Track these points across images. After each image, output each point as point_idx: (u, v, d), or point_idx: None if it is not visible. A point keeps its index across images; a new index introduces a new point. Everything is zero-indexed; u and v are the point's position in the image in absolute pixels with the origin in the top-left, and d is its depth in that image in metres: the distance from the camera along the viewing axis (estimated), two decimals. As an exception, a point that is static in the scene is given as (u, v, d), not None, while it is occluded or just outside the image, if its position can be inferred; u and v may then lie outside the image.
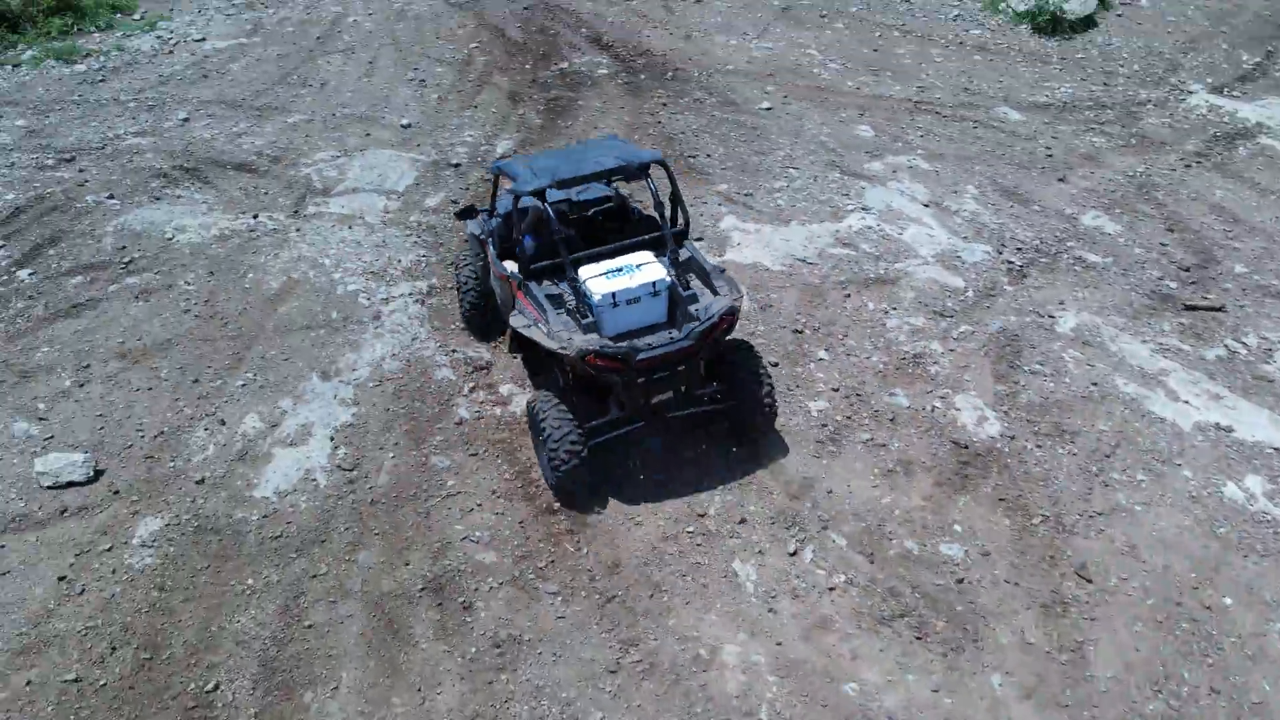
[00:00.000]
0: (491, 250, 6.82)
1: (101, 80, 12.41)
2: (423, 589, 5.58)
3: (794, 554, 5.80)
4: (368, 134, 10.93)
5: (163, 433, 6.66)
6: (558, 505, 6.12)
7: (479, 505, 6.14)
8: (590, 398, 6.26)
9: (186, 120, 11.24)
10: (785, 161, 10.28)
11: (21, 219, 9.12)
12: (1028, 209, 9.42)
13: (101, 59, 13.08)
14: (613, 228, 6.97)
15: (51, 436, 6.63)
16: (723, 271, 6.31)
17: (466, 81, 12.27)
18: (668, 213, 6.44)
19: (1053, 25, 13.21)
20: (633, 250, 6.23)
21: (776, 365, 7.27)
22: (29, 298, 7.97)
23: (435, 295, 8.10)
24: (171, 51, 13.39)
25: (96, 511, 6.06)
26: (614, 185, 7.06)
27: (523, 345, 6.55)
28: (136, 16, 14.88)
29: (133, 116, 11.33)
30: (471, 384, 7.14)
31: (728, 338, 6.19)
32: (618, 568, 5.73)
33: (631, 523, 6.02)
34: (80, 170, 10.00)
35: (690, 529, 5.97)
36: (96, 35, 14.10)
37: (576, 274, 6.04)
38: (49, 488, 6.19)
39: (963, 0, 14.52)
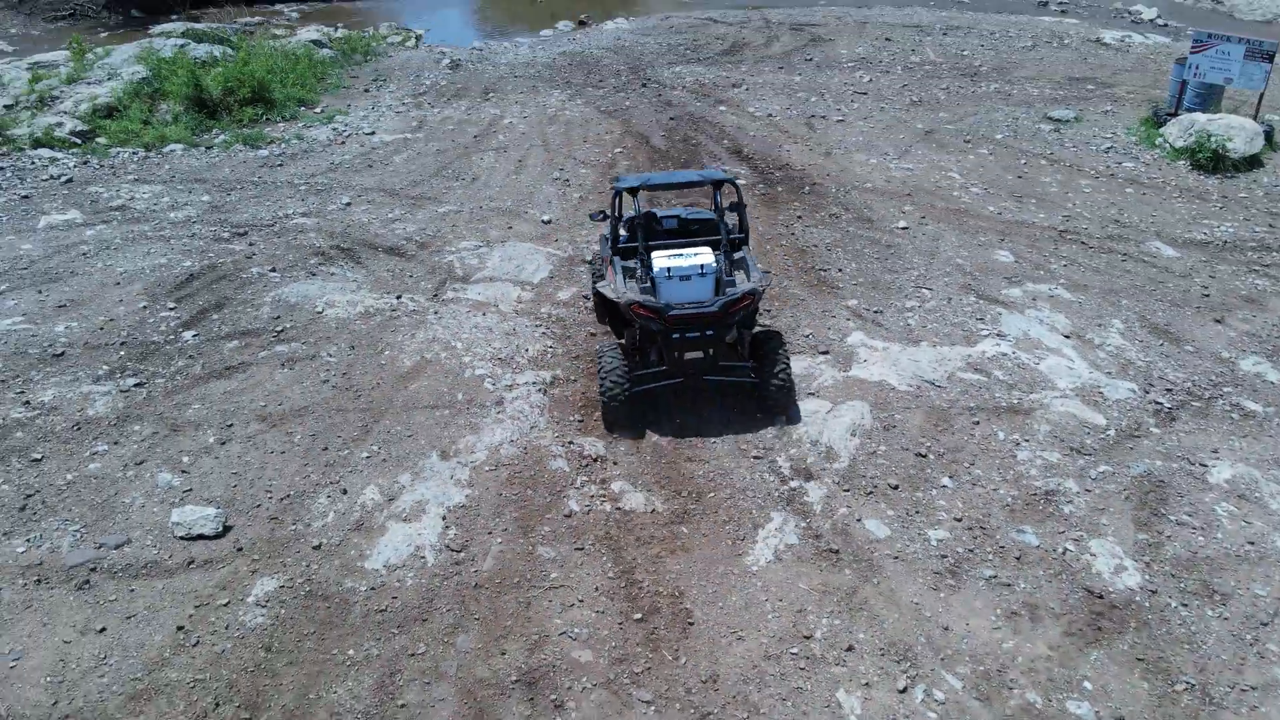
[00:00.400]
0: (604, 243, 8.61)
1: (280, 165, 13.55)
2: (516, 680, 5.50)
3: (903, 691, 5.44)
4: (510, 227, 11.46)
5: (289, 495, 6.94)
6: (659, 607, 5.99)
7: (580, 601, 6.06)
8: (645, 360, 7.84)
9: (348, 204, 12.09)
10: (918, 281, 10.13)
11: (194, 284, 9.91)
12: (1179, 349, 8.91)
13: (282, 145, 14.31)
14: (703, 234, 8.46)
15: (190, 489, 7.00)
16: (766, 273, 8.20)
17: (607, 183, 12.76)
18: (725, 215, 8.30)
19: (1214, 163, 12.72)
20: (697, 246, 7.82)
21: (896, 488, 7.01)
22: (189, 357, 8.59)
23: (558, 386, 8.27)
24: (344, 142, 14.54)
25: (220, 566, 6.31)
26: (717, 208, 8.42)
27: (605, 312, 8.67)
28: (318, 110, 16.28)
29: (302, 198, 12.28)
30: (584, 477, 7.17)
31: (760, 328, 8.29)
32: (715, 682, 5.51)
33: (734, 636, 5.81)
34: (250, 244, 10.85)
35: (794, 650, 5.71)
36: (281, 125, 15.49)
37: (649, 255, 7.56)
38: (181, 538, 6.50)
39: (1115, 133, 14.23)
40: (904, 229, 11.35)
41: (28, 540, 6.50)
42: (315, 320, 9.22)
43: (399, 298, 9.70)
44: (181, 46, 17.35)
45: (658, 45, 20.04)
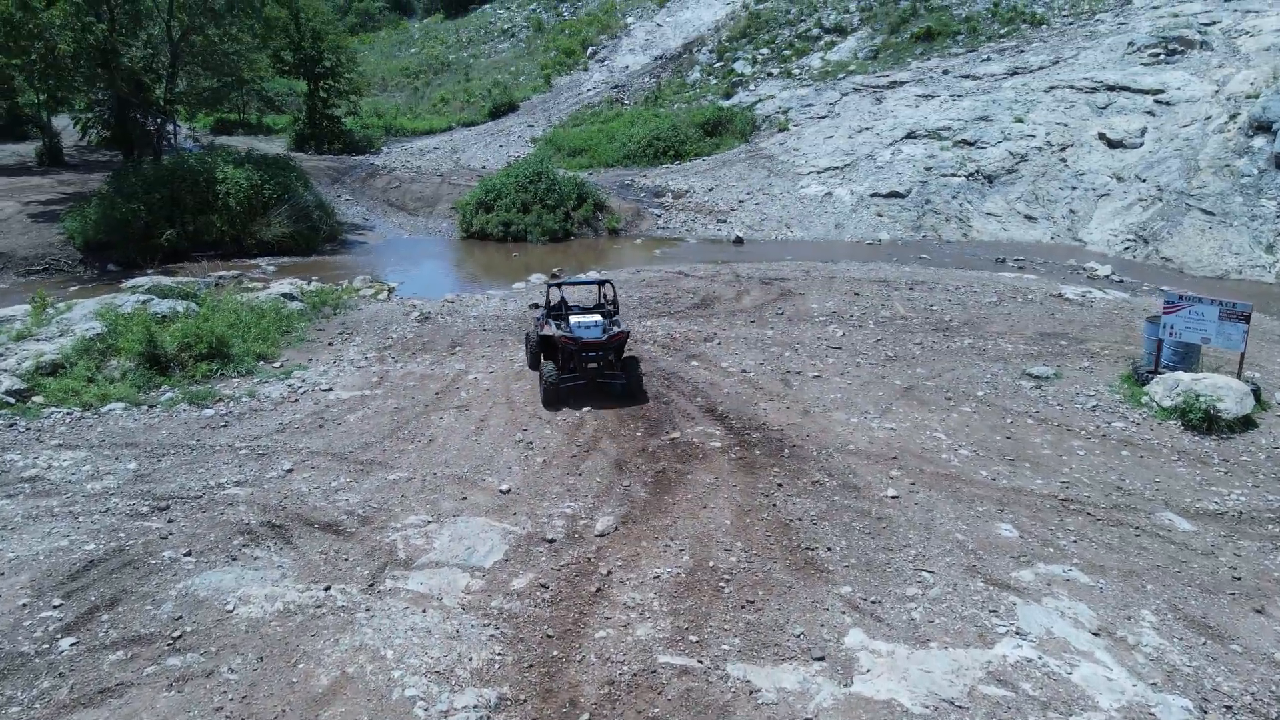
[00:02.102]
0: (541, 315, 13.90)
1: (224, 425, 12.55)
2: None
3: None
4: (464, 497, 10.31)
5: None
6: None
7: None
8: (566, 369, 12.95)
9: (289, 471, 10.96)
10: (917, 561, 8.96)
11: (91, 574, 8.52)
12: (1225, 649, 7.65)
13: (230, 404, 13.39)
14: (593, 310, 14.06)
15: None
16: (626, 330, 13.44)
17: (574, 445, 11.80)
18: (608, 301, 14.17)
19: (1207, 424, 12.06)
20: (592, 313, 13.57)
21: None
22: (59, 675, 7.05)
23: (505, 709, 6.77)
24: (297, 400, 13.66)
25: None
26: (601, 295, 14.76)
27: (536, 360, 13.90)
28: (277, 364, 15.56)
29: (240, 465, 11.15)
30: None
31: (625, 355, 13.58)
32: None
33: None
34: (169, 521, 9.57)
35: None
36: (236, 380, 14.67)
37: (568, 317, 13.31)
38: None
39: (1098, 390, 13.69)
40: (894, 498, 10.33)
41: None
42: (222, 622, 7.78)
43: (328, 589, 8.33)
44: (144, 302, 16.87)
45: (629, 298, 19.93)
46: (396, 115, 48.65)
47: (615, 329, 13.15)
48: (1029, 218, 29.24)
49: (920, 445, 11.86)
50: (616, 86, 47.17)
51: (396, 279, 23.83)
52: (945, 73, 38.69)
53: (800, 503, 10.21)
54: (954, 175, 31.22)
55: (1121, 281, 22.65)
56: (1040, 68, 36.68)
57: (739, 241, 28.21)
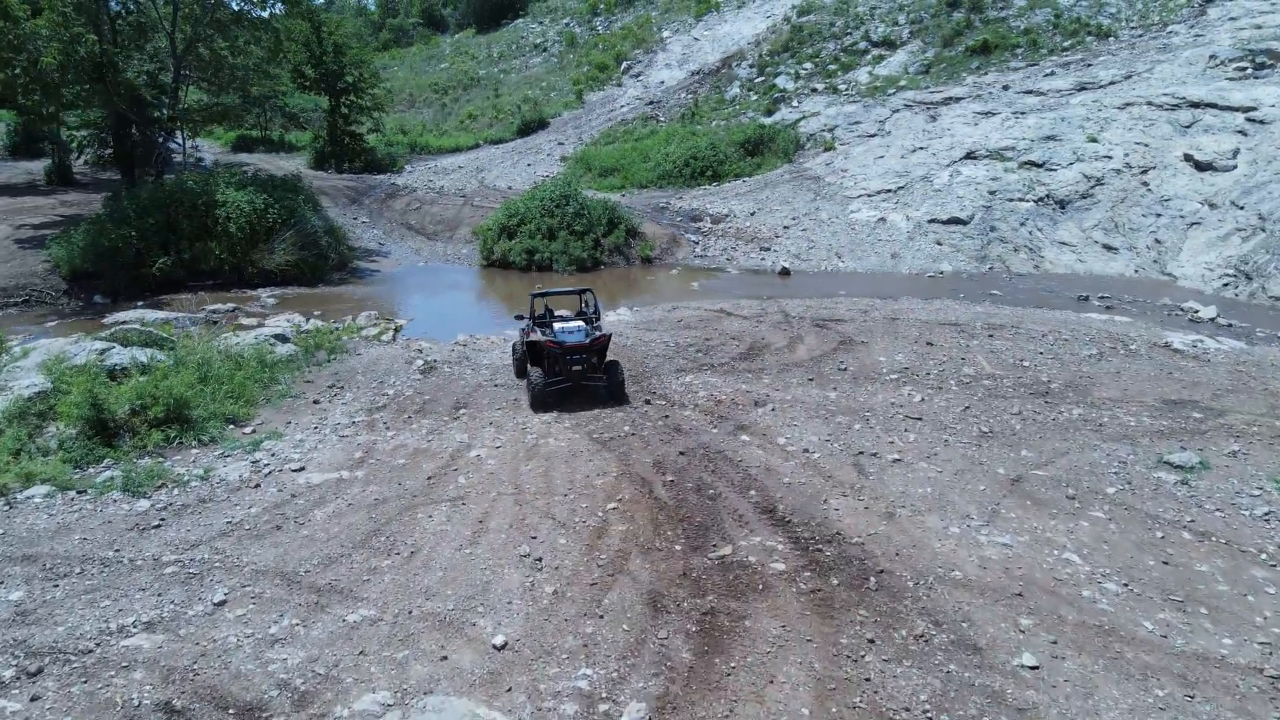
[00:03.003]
0: (526, 325, 14.43)
1: (157, 525, 9.90)
2: None
3: None
4: (444, 657, 7.53)
5: None
6: None
7: None
8: (552, 374, 13.44)
9: (221, 604, 8.27)
10: (1088, 792, 6.03)
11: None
12: None
13: (175, 491, 10.76)
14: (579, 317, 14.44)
15: None
16: (608, 334, 14.02)
17: (595, 565, 8.99)
18: (589, 309, 14.52)
19: None
20: (574, 320, 14.17)
21: None
22: None
23: None
24: (259, 485, 11.01)
25: None
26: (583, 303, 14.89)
27: (522, 368, 14.62)
28: (248, 430, 12.97)
29: (159, 592, 8.48)
30: None
31: (607, 359, 13.94)
32: None
33: None
34: (32, 700, 6.88)
35: None
36: (195, 451, 12.11)
37: (552, 324, 13.86)
38: None
39: (1264, 489, 10.63)
40: (1033, 669, 7.39)
41: None
42: None
43: (223, 840, 5.60)
44: (101, 352, 14.36)
45: (664, 345, 17.15)
46: (422, 132, 46.43)
47: (597, 333, 13.62)
48: (1108, 248, 26.04)
49: (1049, 573, 8.89)
50: (651, 103, 44.55)
51: (406, 314, 21.27)
52: (1005, 88, 35.56)
53: (903, 675, 7.29)
54: (1021, 200, 28.11)
55: (1230, 326, 19.42)
56: (1111, 83, 33.42)
57: (785, 273, 25.32)
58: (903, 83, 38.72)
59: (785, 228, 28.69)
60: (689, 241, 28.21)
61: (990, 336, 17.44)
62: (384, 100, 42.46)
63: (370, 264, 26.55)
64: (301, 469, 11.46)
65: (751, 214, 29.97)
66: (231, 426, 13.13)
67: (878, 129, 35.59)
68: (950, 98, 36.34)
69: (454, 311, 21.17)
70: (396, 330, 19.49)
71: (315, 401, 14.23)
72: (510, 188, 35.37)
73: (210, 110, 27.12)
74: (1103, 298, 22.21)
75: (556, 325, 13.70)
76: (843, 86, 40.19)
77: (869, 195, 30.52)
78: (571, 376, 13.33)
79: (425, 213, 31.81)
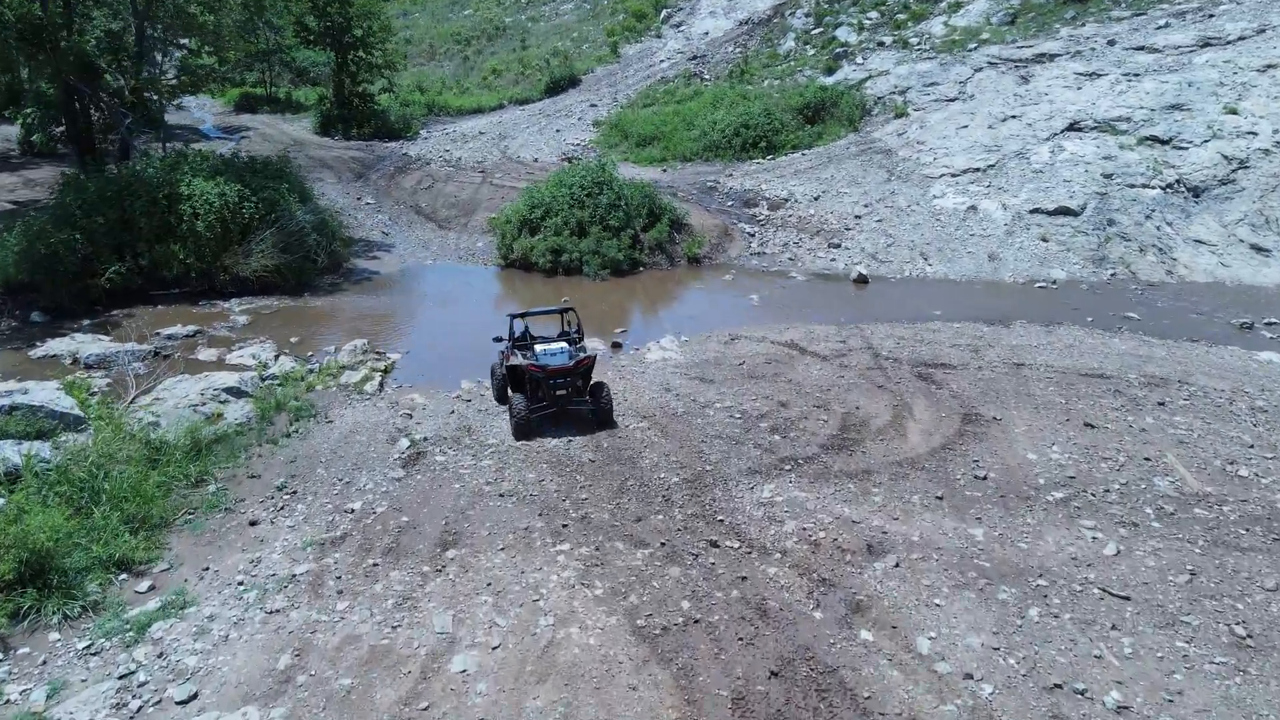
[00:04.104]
0: (505, 347, 13.05)
1: None
2: None
3: None
4: None
5: None
6: None
7: None
8: (535, 399, 12.25)
9: None
10: None
11: None
12: None
13: (-22, 761, 6.74)
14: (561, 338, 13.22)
15: None
16: (593, 355, 12.81)
17: None
18: (572, 329, 13.13)
19: None
20: (557, 341, 12.77)
21: None
22: None
23: None
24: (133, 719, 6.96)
25: None
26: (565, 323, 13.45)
27: (501, 391, 13.13)
28: (144, 587, 8.91)
29: None
30: None
31: (593, 382, 12.61)
32: None
33: None
34: None
35: None
36: (54, 636, 8.09)
37: (533, 347, 12.55)
38: None
39: None
40: None
41: None
42: None
43: None
44: (-42, 452, 10.29)
45: (726, 415, 12.77)
46: (441, 90, 41.57)
47: (582, 354, 12.65)
48: (1258, 249, 20.99)
49: None
50: (695, 58, 39.22)
51: (401, 341, 16.98)
52: (1111, 43, 29.94)
53: None
54: (1145, 185, 22.98)
55: None
56: (1241, 38, 27.76)
57: (862, 280, 20.62)
58: (985, 35, 33.11)
59: (857, 217, 23.84)
60: (743, 234, 23.50)
61: (1161, 405, 12.83)
62: (396, 57, 37.58)
63: (369, 261, 22.21)
64: (193, 697, 7.36)
65: (815, 198, 25.11)
66: (125, 576, 9.09)
67: (958, 92, 30.26)
68: (1043, 54, 30.79)
69: (459, 337, 16.78)
70: (385, 373, 15.23)
71: (252, 524, 10.11)
72: (536, 159, 30.67)
73: (192, 75, 22.55)
74: (1270, 324, 17.37)
75: (538, 348, 12.50)
76: (914, 40, 34.62)
77: (953, 175, 25.48)
78: (556, 401, 12.26)
79: (438, 193, 27.29)
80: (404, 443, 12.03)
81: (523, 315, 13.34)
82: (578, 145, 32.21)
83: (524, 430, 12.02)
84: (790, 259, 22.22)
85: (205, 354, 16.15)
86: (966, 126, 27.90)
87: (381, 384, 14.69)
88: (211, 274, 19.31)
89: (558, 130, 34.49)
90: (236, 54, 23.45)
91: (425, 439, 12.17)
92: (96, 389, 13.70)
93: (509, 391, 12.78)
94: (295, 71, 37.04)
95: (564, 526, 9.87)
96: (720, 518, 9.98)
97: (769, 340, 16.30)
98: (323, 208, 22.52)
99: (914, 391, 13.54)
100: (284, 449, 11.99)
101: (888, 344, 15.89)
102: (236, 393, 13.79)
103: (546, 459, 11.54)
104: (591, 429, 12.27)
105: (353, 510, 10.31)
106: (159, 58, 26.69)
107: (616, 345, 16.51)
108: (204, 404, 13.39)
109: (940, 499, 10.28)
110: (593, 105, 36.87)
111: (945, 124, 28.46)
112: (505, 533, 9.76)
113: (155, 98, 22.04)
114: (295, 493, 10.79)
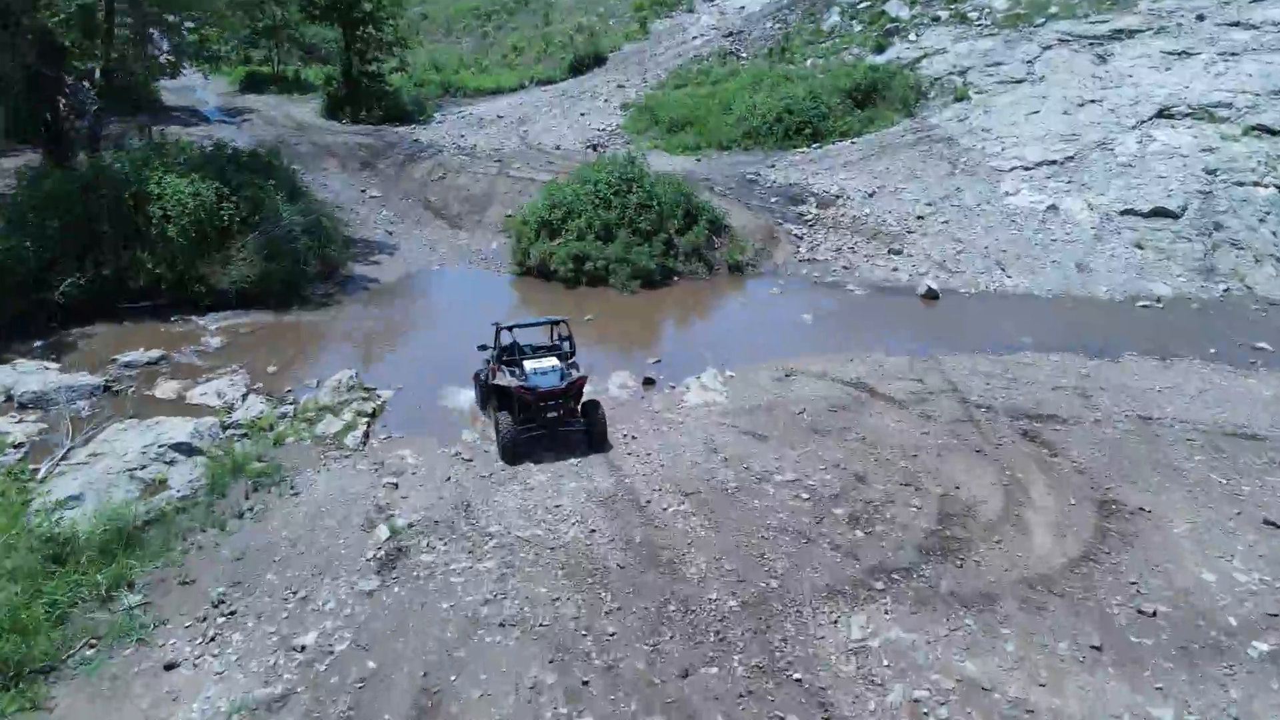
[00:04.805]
0: (491, 359, 11.95)
1: None
2: None
3: None
4: None
5: None
6: None
7: None
8: (523, 419, 11.15)
9: None
10: None
11: None
12: None
13: None
14: (545, 353, 12.13)
15: None
16: (584, 377, 11.59)
17: None
18: (563, 340, 12.11)
19: None
20: (547, 356, 11.76)
21: None
22: None
23: None
24: None
25: None
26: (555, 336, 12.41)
27: (494, 396, 11.83)
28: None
29: None
30: None
31: (585, 400, 11.53)
32: None
33: None
34: None
35: None
36: None
37: (521, 363, 11.47)
38: None
39: None
40: None
41: None
42: None
43: None
44: None
45: (789, 493, 9.96)
46: (459, 68, 38.59)
47: (574, 374, 11.52)
48: (1397, 262, 17.74)
49: None
50: (730, 34, 35.93)
51: (393, 373, 14.21)
52: (1200, 18, 26.44)
53: None
54: (1257, 184, 19.71)
55: None
56: (1355, 12, 24.24)
57: (932, 296, 17.62)
58: (1053, 9, 29.61)
59: (919, 218, 20.77)
60: (789, 236, 20.51)
61: (1350, 488, 9.86)
62: (409, 34, 34.62)
63: (369, 267, 19.48)
64: None
65: (869, 195, 22.02)
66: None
67: (1026, 72, 26.91)
68: (1120, 30, 27.34)
69: (464, 365, 13.86)
70: (373, 417, 12.54)
71: (169, 667, 7.48)
72: (558, 147, 27.75)
73: (156, 60, 19.85)
74: None
75: (527, 364, 11.51)
76: (973, 14, 31.16)
77: (1026, 169, 22.31)
78: (546, 424, 11.29)
79: (450, 185, 24.44)
80: (382, 531, 9.35)
81: (511, 327, 12.23)
82: (604, 130, 29.24)
83: (511, 454, 11.13)
84: (845, 267, 19.23)
85: (164, 388, 13.52)
86: (1038, 112, 24.63)
87: (366, 434, 11.99)
88: (185, 285, 16.67)
89: (582, 114, 31.48)
90: (238, 28, 20.60)
91: (410, 525, 9.48)
92: (16, 443, 11.13)
93: (495, 412, 11.69)
94: (304, 49, 34.17)
95: (584, 684, 7.16)
96: (795, 675, 7.20)
97: (830, 377, 13.44)
98: (317, 206, 19.77)
99: (1023, 461, 10.65)
100: (232, 536, 9.35)
101: (975, 384, 12.99)
102: (188, 450, 11.15)
103: (563, 559, 8.81)
104: (584, 449, 11.26)
105: (303, 649, 7.65)
106: (155, 35, 24.08)
107: (649, 382, 13.68)
108: (145, 466, 10.79)
109: (1098, 650, 7.43)
110: (620, 86, 33.78)
111: (1013, 109, 25.19)
112: (505, 693, 7.06)
113: (131, 78, 19.33)
114: (234, 613, 8.14)
